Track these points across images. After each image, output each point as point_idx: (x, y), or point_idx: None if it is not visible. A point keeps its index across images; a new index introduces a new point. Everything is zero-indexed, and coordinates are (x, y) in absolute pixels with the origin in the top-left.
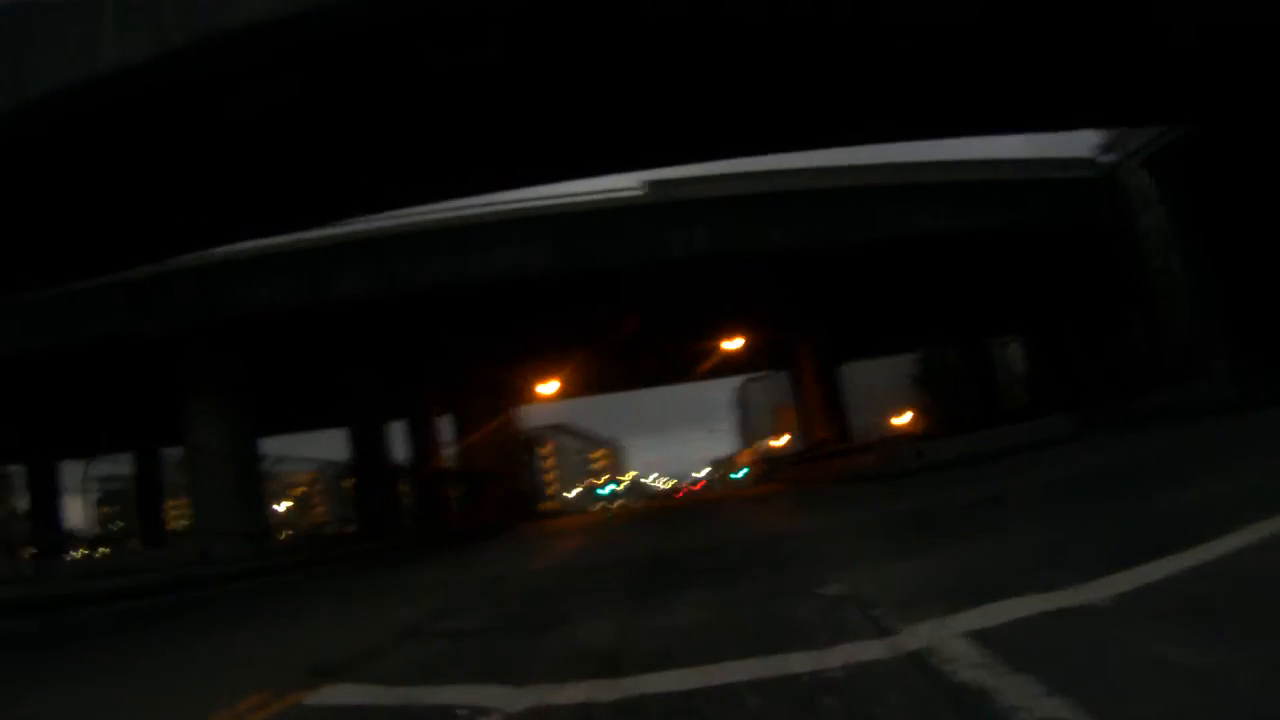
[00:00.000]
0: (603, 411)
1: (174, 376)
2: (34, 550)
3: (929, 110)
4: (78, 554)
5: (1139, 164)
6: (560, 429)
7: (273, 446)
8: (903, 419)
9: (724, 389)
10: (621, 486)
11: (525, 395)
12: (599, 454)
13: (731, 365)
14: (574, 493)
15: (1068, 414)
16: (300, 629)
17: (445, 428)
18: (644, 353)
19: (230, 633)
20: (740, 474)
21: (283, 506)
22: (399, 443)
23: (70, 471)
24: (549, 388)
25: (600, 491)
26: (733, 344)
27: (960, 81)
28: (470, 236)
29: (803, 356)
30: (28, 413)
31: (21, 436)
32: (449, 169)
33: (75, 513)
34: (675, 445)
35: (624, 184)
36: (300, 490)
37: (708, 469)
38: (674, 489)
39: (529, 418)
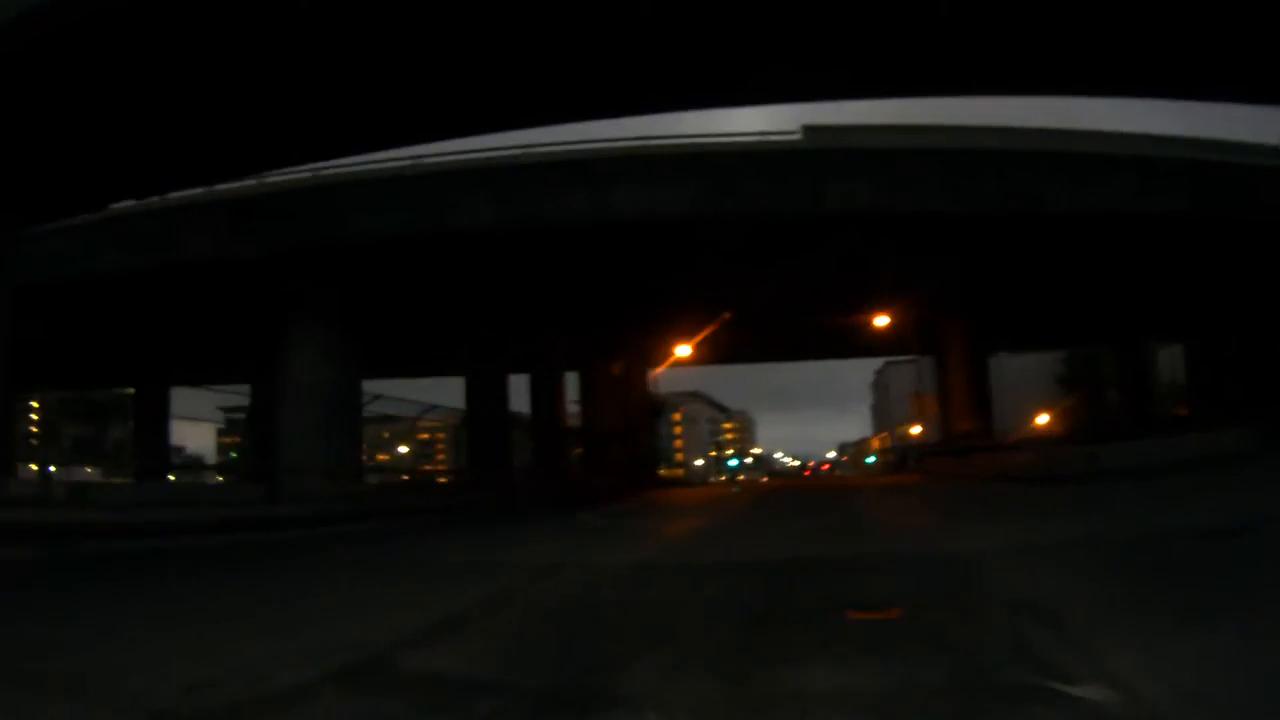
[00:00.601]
0: (734, 382)
1: (277, 303)
2: (132, 473)
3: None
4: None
5: None
6: (692, 396)
7: (391, 388)
8: (1042, 419)
9: (860, 371)
10: (749, 460)
11: (656, 358)
12: (729, 425)
13: (873, 345)
14: (700, 462)
15: (1243, 428)
16: (199, 640)
17: (571, 385)
18: (784, 322)
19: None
20: (870, 460)
21: (405, 449)
22: (521, 396)
23: (193, 398)
24: (681, 351)
25: (729, 464)
26: (879, 320)
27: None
28: (611, 170)
29: (951, 340)
30: (137, 335)
31: (133, 360)
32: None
33: (199, 439)
34: (804, 423)
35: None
36: (425, 435)
37: (834, 451)
38: (801, 467)
39: (659, 382)
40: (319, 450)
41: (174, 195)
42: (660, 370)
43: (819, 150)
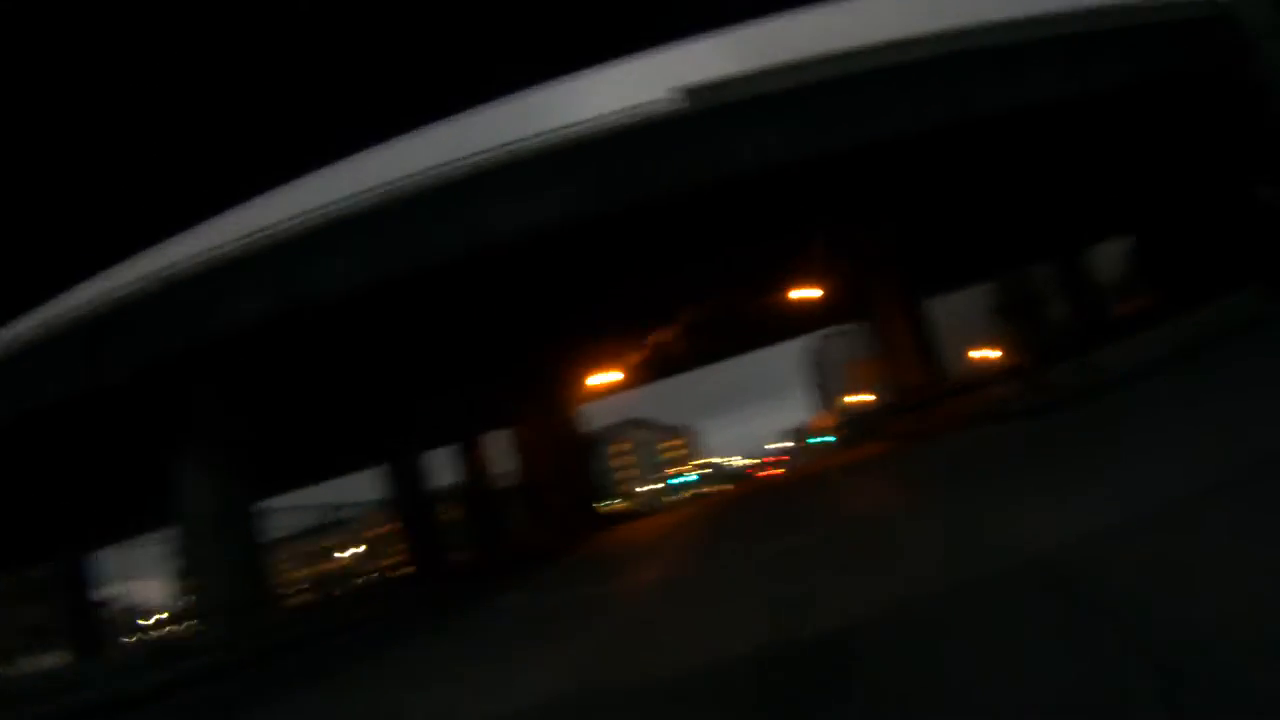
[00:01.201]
0: (673, 398)
1: (162, 428)
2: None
3: None
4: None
5: None
6: (633, 424)
7: (315, 496)
8: (988, 353)
9: (792, 355)
10: (700, 473)
11: (583, 391)
12: (674, 443)
13: (806, 323)
14: (650, 488)
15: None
16: None
17: (502, 443)
18: (712, 317)
19: None
20: (821, 439)
21: (352, 552)
22: (447, 469)
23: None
24: (609, 378)
25: (672, 482)
26: (809, 292)
27: None
28: (482, 185)
29: (884, 295)
30: (37, 501)
31: (45, 529)
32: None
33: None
34: (748, 421)
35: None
36: (373, 533)
37: (782, 443)
38: (756, 466)
39: (594, 415)
40: (223, 585)
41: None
42: (592, 404)
43: (714, 109)
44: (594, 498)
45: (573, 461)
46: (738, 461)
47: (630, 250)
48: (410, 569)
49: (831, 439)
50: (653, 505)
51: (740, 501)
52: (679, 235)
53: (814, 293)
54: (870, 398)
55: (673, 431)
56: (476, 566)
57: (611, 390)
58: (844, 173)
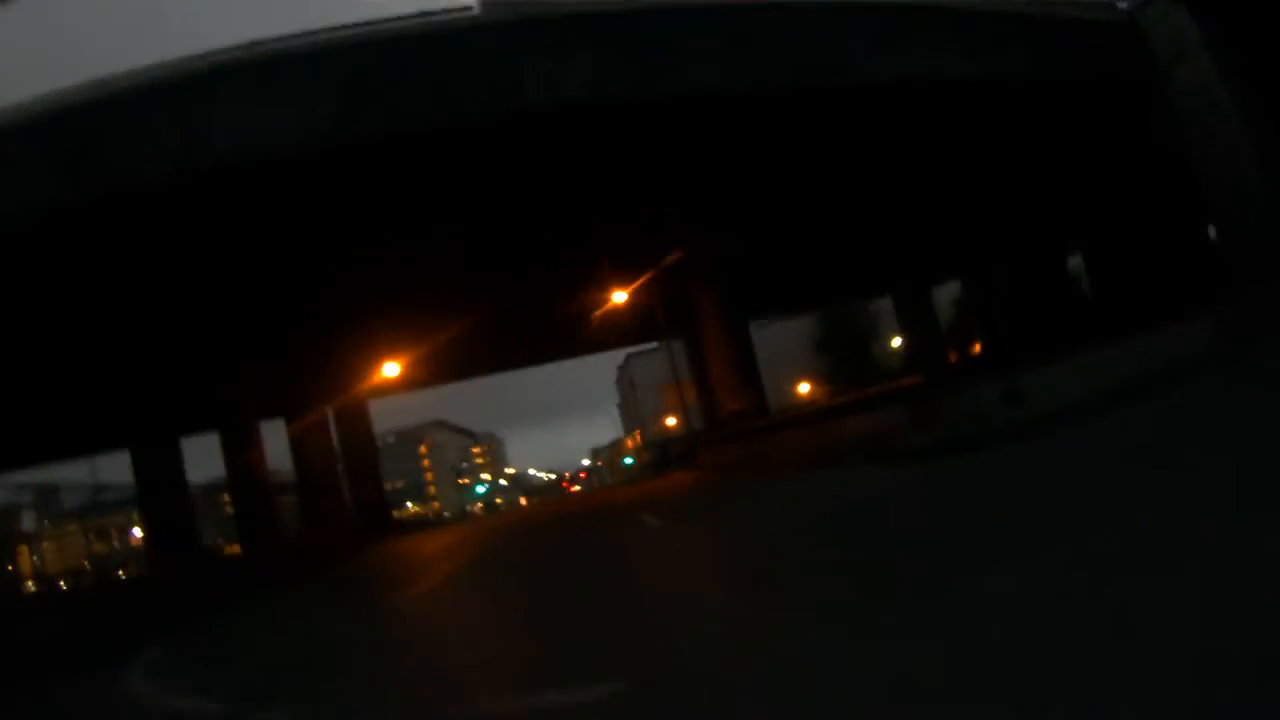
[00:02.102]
0: (477, 403)
1: None
2: None
3: None
4: None
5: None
6: (436, 425)
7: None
8: (804, 387)
9: (605, 371)
10: (504, 481)
11: (366, 383)
12: (478, 449)
13: (617, 336)
14: (451, 493)
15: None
16: None
17: (279, 435)
18: (510, 315)
19: None
20: (628, 461)
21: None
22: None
23: None
24: (389, 370)
25: (477, 491)
26: (617, 296)
27: None
28: (210, 90)
29: (706, 311)
30: None
31: None
32: None
33: None
34: (555, 434)
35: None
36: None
37: (587, 459)
38: (557, 481)
39: (391, 413)
40: None
41: None
42: (386, 400)
43: (512, 23)
44: (380, 501)
45: (358, 459)
46: (543, 475)
47: (398, 199)
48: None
49: (631, 461)
50: (458, 509)
51: (542, 515)
52: (458, 188)
53: (622, 295)
54: (678, 422)
55: (477, 438)
56: (233, 571)
57: (406, 386)
58: (664, 139)
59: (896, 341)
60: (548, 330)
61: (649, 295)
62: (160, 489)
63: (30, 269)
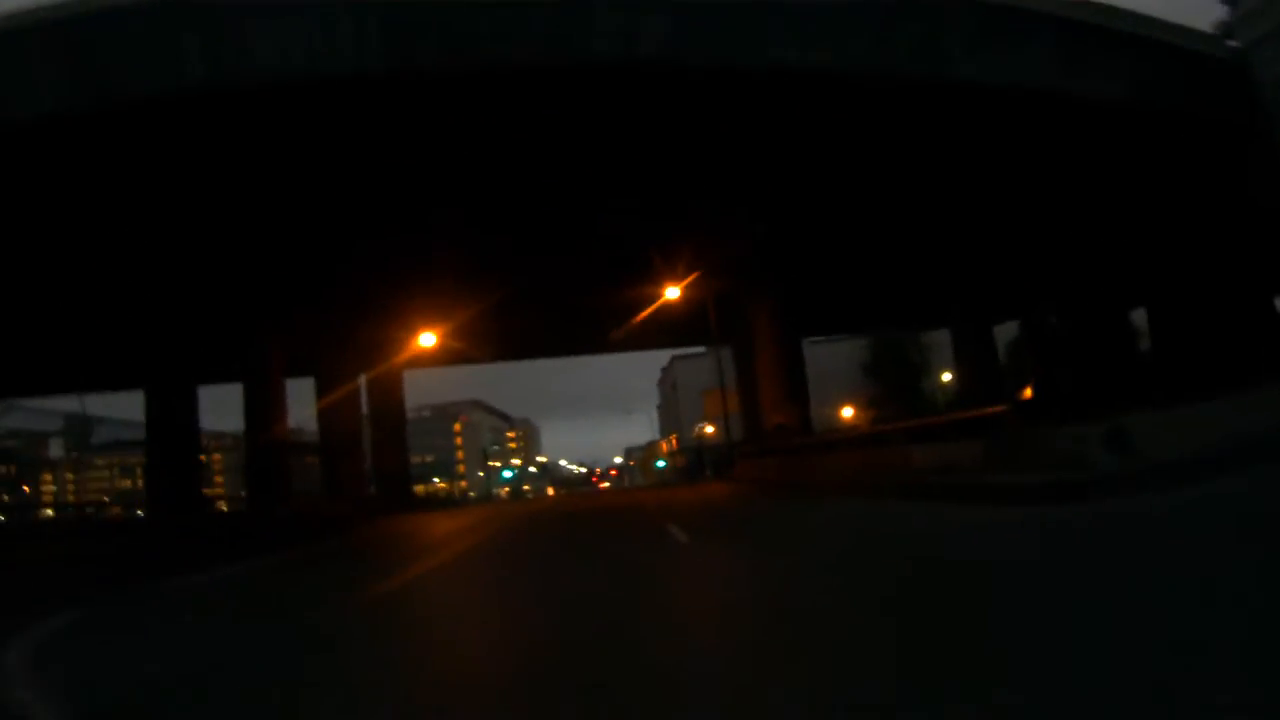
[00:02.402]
0: (518, 389)
1: None
2: None
3: None
4: None
5: None
6: (473, 404)
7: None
8: (847, 411)
9: (649, 371)
10: (534, 469)
11: (404, 354)
12: (512, 434)
13: (667, 335)
14: (482, 474)
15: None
16: None
17: (305, 392)
18: (558, 301)
19: None
20: (660, 464)
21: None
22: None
23: None
24: (425, 340)
25: (505, 475)
26: (670, 292)
27: None
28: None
29: (759, 320)
30: None
31: None
32: None
33: None
34: (591, 430)
35: None
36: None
37: (620, 458)
38: (588, 474)
39: (431, 388)
40: None
41: None
42: (421, 373)
43: None
44: (404, 474)
45: (386, 429)
46: (574, 467)
47: (451, 158)
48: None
49: (664, 464)
50: (486, 492)
51: (574, 512)
52: (511, 156)
53: (675, 292)
54: (716, 430)
55: (513, 422)
56: (241, 527)
57: (446, 360)
58: (737, 120)
59: (946, 376)
60: (593, 320)
61: (703, 297)
62: (168, 435)
63: (59, 180)
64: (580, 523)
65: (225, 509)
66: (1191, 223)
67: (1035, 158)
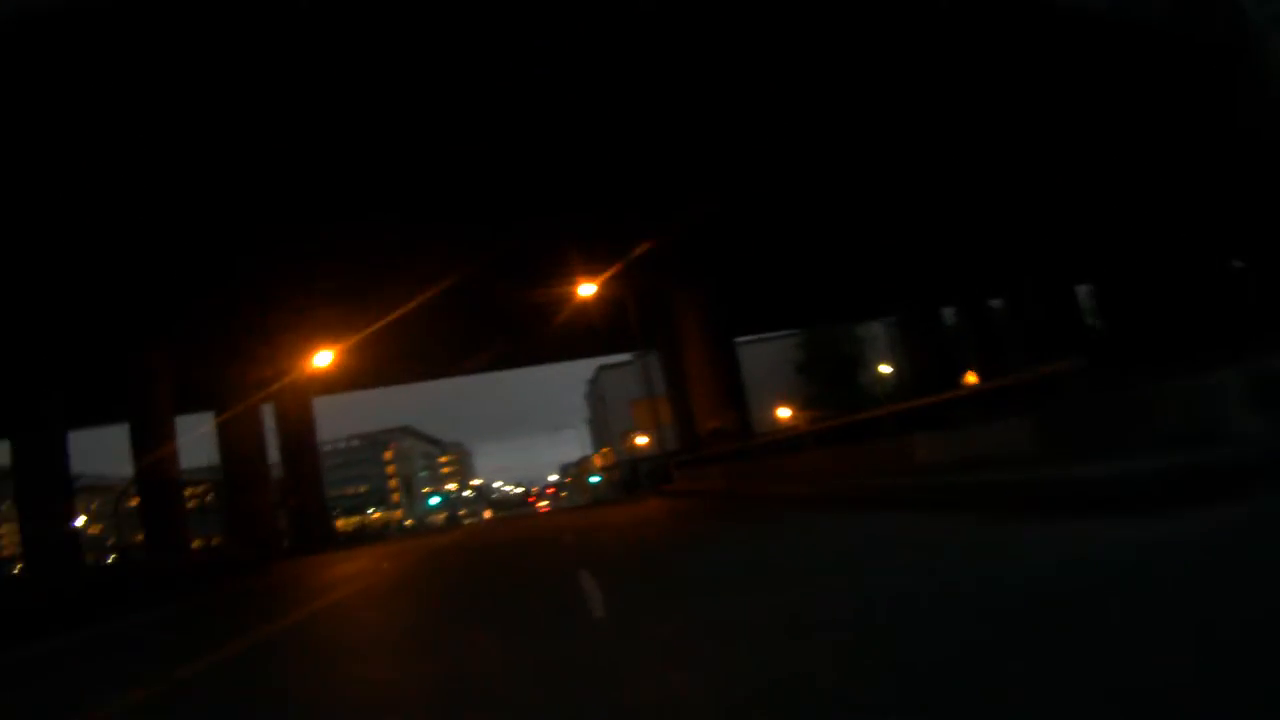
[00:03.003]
0: (447, 413)
1: None
2: None
3: None
4: None
5: None
6: (402, 431)
7: None
8: (784, 412)
9: (578, 385)
10: (469, 493)
11: (306, 376)
12: (445, 458)
13: (589, 339)
14: (414, 501)
15: None
16: None
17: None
18: (469, 308)
19: None
20: (595, 479)
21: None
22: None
23: None
24: (321, 359)
25: (430, 502)
26: (584, 289)
27: None
28: None
29: (685, 317)
30: None
31: None
32: None
33: None
34: (524, 450)
35: None
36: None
37: (555, 474)
38: (524, 494)
39: (351, 417)
40: None
41: None
42: (318, 393)
43: None
44: (320, 509)
45: (296, 461)
46: (510, 488)
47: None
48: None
49: (598, 479)
50: (414, 524)
51: (511, 546)
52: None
53: (591, 288)
54: (648, 441)
55: (445, 447)
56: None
57: (359, 383)
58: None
59: (884, 369)
60: (513, 326)
61: (623, 294)
62: (36, 482)
63: None
64: (478, 565)
65: (114, 559)
66: (1165, 174)
67: (1006, 95)
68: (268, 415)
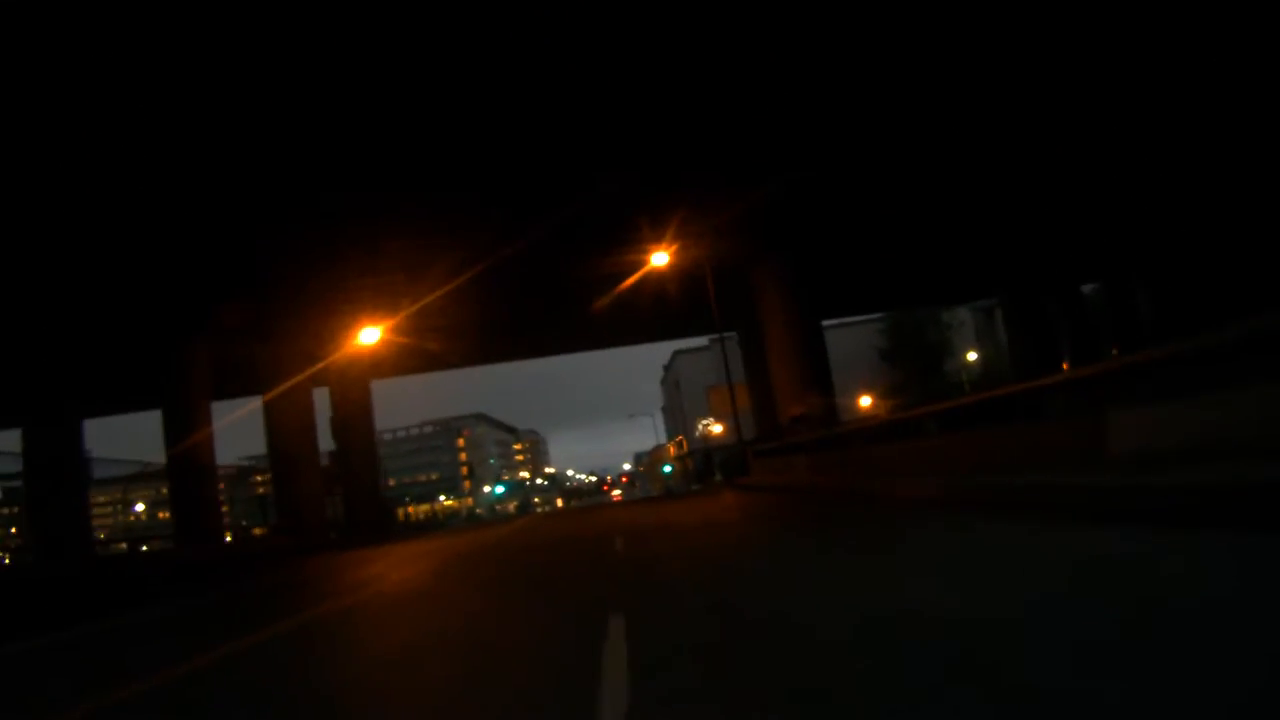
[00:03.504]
0: (522, 401)
1: None
2: None
3: None
4: None
5: None
6: (477, 418)
7: None
8: (865, 400)
9: (654, 372)
10: (543, 481)
11: (359, 356)
12: (519, 445)
13: (667, 322)
14: (489, 488)
15: None
16: None
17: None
18: (539, 281)
19: None
20: (667, 469)
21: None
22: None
23: None
24: (368, 336)
25: (496, 492)
26: (657, 258)
27: None
28: None
29: (767, 296)
30: None
31: None
32: None
33: None
34: (599, 438)
35: None
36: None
37: (629, 464)
38: (599, 483)
39: (425, 402)
40: None
41: None
42: (374, 376)
43: None
44: (375, 496)
45: (349, 445)
46: (583, 477)
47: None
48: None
49: (670, 468)
50: (484, 512)
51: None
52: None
53: (663, 257)
54: (724, 429)
55: (519, 434)
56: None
57: (422, 366)
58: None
59: (972, 356)
60: (581, 301)
61: (700, 268)
62: (47, 473)
63: None
64: (498, 581)
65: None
66: None
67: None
68: (322, 401)
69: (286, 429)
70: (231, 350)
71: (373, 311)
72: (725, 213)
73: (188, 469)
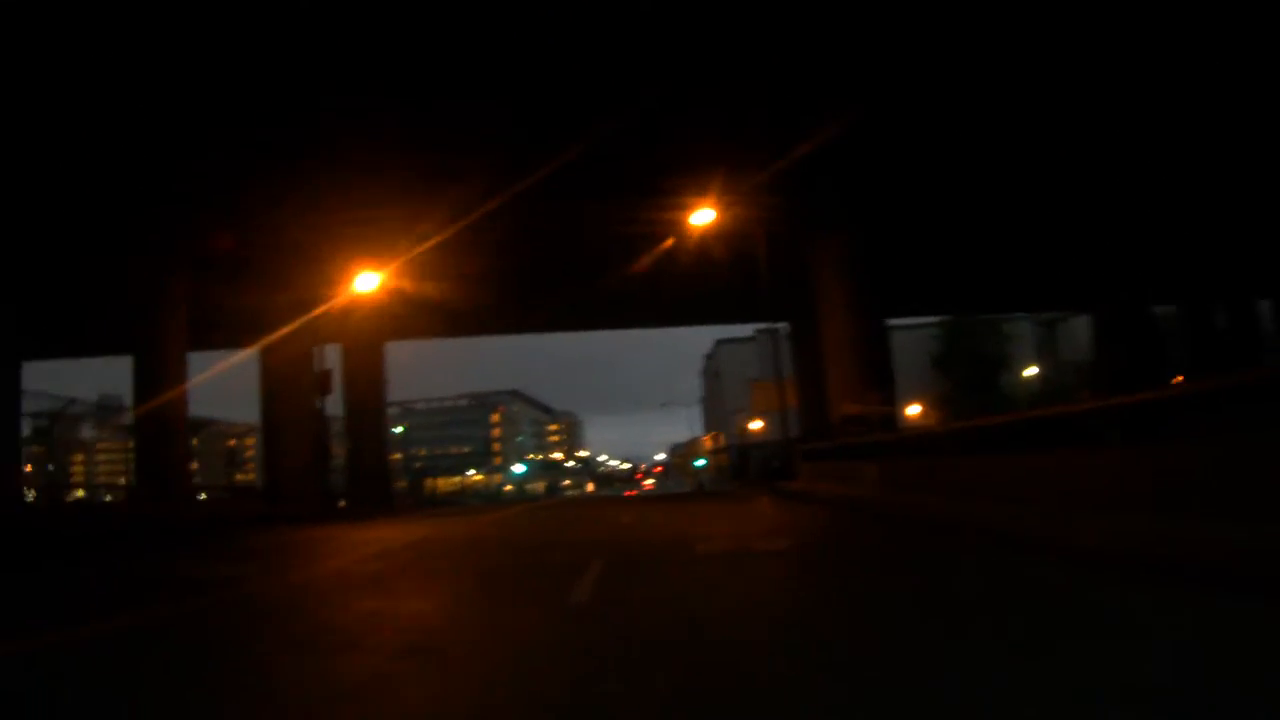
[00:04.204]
0: (560, 383)
1: None
2: None
3: None
4: None
5: None
6: (513, 395)
7: None
8: (914, 409)
9: (695, 363)
10: (573, 463)
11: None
12: (554, 426)
13: (711, 304)
14: (518, 468)
15: None
16: None
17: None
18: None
19: None
20: (700, 463)
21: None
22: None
23: None
24: (367, 282)
25: (516, 472)
26: (699, 216)
27: None
28: None
29: (826, 276)
30: None
31: None
32: None
33: None
34: (635, 425)
35: None
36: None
37: (664, 454)
38: (632, 470)
39: (461, 375)
40: None
41: None
42: (391, 338)
43: None
44: (379, 465)
45: (357, 413)
46: (616, 463)
47: None
48: None
49: (704, 462)
50: (517, 486)
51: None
52: None
53: (710, 214)
54: (763, 425)
55: (555, 415)
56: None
57: (441, 330)
58: None
59: (1030, 370)
60: (596, 261)
61: (751, 240)
62: None
63: None
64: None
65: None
66: None
67: None
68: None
69: (280, 391)
70: (217, 296)
71: (376, 253)
72: (780, 159)
73: (155, 424)
